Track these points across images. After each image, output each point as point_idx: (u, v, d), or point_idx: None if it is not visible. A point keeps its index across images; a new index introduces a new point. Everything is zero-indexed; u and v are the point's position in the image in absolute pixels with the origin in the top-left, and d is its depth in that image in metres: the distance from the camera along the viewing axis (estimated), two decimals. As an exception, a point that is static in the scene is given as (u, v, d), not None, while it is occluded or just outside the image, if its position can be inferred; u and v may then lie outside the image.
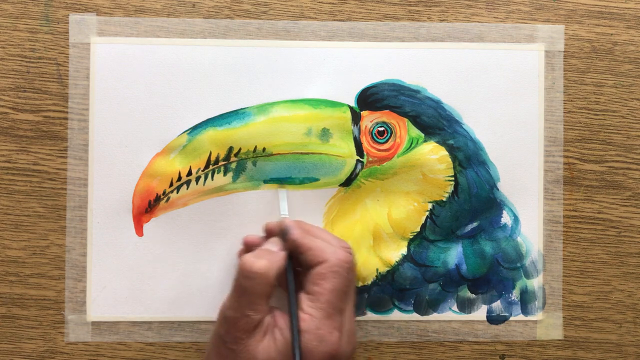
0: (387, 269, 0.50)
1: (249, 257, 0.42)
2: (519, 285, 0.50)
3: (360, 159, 0.49)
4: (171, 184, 0.49)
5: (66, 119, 0.49)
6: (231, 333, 0.41)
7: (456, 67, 0.50)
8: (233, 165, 0.49)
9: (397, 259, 0.50)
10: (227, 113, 0.49)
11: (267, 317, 0.42)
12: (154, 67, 0.49)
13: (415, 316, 0.50)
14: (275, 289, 0.43)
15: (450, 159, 0.49)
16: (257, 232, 0.49)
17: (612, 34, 0.51)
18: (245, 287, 0.41)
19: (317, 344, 0.41)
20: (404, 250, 0.50)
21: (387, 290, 0.50)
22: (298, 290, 0.44)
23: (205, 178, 0.49)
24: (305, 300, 0.42)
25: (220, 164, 0.49)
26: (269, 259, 0.42)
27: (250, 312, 0.41)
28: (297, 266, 0.45)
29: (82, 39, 0.49)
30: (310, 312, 0.42)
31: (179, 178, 0.49)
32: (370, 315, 0.50)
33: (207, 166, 0.49)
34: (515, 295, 0.50)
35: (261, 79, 0.50)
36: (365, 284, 0.50)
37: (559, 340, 0.51)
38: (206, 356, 0.44)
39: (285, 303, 0.44)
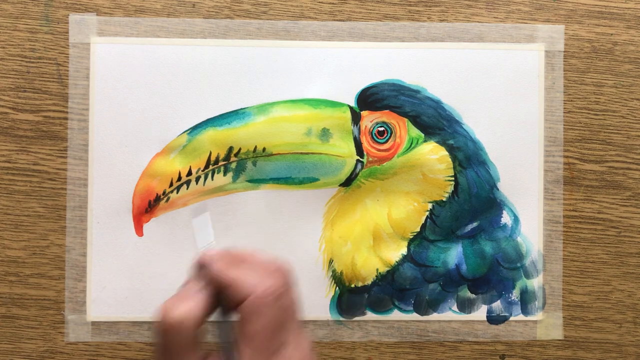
0: (387, 269, 0.50)
1: (165, 306, 0.36)
2: (519, 285, 0.50)
3: (360, 159, 0.49)
4: (171, 184, 0.49)
5: (66, 119, 0.49)
6: None
7: (456, 67, 0.50)
8: (233, 165, 0.49)
9: (397, 259, 0.50)
10: (227, 113, 0.49)
11: None
12: (154, 67, 0.49)
13: (415, 316, 0.50)
14: (201, 335, 0.37)
15: (450, 159, 0.49)
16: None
17: (612, 34, 0.51)
18: (168, 343, 0.35)
19: None
20: (404, 250, 0.50)
21: (387, 290, 0.50)
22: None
23: (205, 178, 0.49)
24: (243, 346, 0.36)
25: (220, 164, 0.49)
26: (186, 303, 0.36)
27: None
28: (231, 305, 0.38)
29: (82, 39, 0.49)
30: (247, 354, 0.36)
31: (179, 178, 0.49)
32: (370, 315, 0.50)
33: (207, 166, 0.49)
34: (515, 295, 0.50)
35: (261, 79, 0.50)
36: (365, 284, 0.50)
37: (559, 340, 0.51)
38: None
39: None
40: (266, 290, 0.36)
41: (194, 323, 0.36)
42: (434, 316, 0.50)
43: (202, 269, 0.38)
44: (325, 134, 0.49)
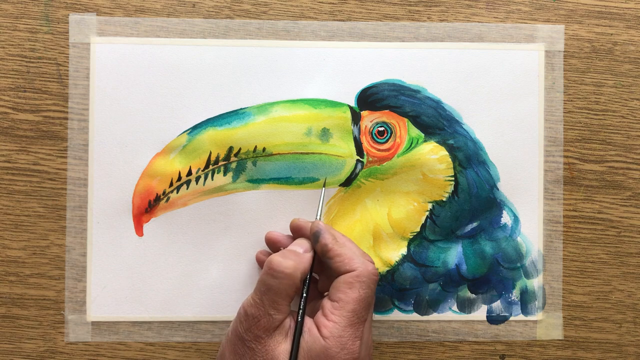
0: (387, 269, 0.50)
1: (277, 257, 0.42)
2: (519, 285, 0.50)
3: (360, 159, 0.49)
4: (171, 184, 0.49)
5: (66, 119, 0.49)
6: (252, 331, 0.41)
7: (456, 67, 0.50)
8: (233, 165, 0.49)
9: (397, 259, 0.50)
10: (227, 113, 0.49)
11: (288, 320, 0.42)
12: (154, 67, 0.49)
13: (415, 316, 0.50)
14: (298, 291, 0.43)
15: (450, 159, 0.49)
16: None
17: (612, 34, 0.51)
18: (270, 286, 0.42)
19: (338, 351, 0.41)
20: (404, 250, 0.50)
21: (387, 290, 0.50)
22: (315, 294, 0.44)
23: (205, 178, 0.49)
24: (329, 307, 0.42)
25: (220, 164, 0.49)
26: (296, 260, 0.43)
27: (272, 311, 0.41)
28: (319, 271, 0.45)
29: (82, 39, 0.49)
30: (334, 319, 0.42)
31: (179, 178, 0.49)
32: (370, 315, 0.50)
33: (207, 166, 0.49)
34: (515, 295, 0.50)
35: (261, 79, 0.50)
36: (365, 284, 0.50)
37: (559, 340, 0.51)
38: (219, 354, 0.44)
39: (307, 307, 0.44)
40: (369, 271, 0.43)
41: (299, 276, 0.42)
42: (434, 316, 0.50)
43: (314, 235, 0.45)
44: (325, 134, 0.49)
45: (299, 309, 0.43)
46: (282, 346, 0.41)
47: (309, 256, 0.44)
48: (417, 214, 0.50)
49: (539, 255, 0.50)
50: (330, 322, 0.42)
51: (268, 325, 0.41)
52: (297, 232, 0.47)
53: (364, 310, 0.42)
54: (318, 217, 0.47)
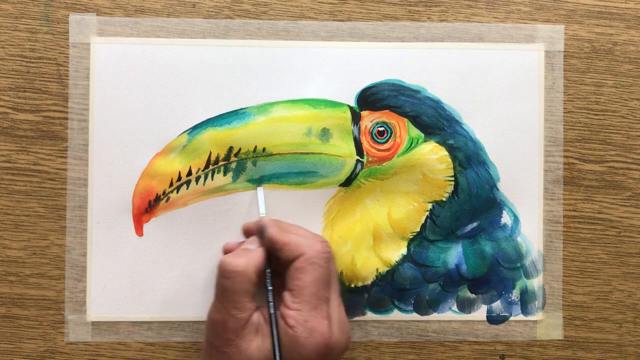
0: (387, 269, 0.50)
1: (227, 258, 0.43)
2: (519, 285, 0.50)
3: (360, 159, 0.49)
4: (171, 184, 0.49)
5: (66, 119, 0.49)
6: (221, 336, 0.42)
7: (456, 67, 0.50)
8: (233, 165, 0.49)
9: (397, 259, 0.50)
10: (227, 113, 0.49)
11: (255, 316, 0.43)
12: (154, 67, 0.49)
13: (415, 316, 0.50)
14: (257, 286, 0.43)
15: (450, 159, 0.49)
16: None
17: (612, 34, 0.51)
18: (225, 287, 0.42)
19: (307, 336, 0.41)
20: (404, 250, 0.50)
21: (387, 290, 0.50)
22: (281, 290, 0.44)
23: (205, 178, 0.49)
24: (289, 297, 0.43)
25: (220, 164, 0.49)
26: (247, 256, 0.43)
27: (235, 312, 0.42)
28: (278, 267, 0.45)
29: (82, 39, 0.49)
30: (295, 307, 0.42)
31: (179, 178, 0.49)
32: (370, 315, 0.50)
33: (207, 166, 0.49)
34: (515, 295, 0.50)
35: (261, 79, 0.50)
36: (365, 284, 0.50)
37: (559, 340, 0.51)
38: None
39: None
40: (319, 249, 0.43)
41: (252, 271, 0.42)
42: (434, 316, 0.50)
43: (252, 232, 0.45)
44: (325, 134, 0.49)
45: (268, 301, 0.43)
46: (254, 343, 0.42)
47: (260, 250, 0.44)
48: (417, 214, 0.50)
49: (539, 255, 0.50)
50: (293, 311, 0.42)
51: (235, 327, 0.41)
52: (248, 234, 0.47)
53: (323, 290, 0.42)
54: (262, 214, 0.47)
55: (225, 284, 0.42)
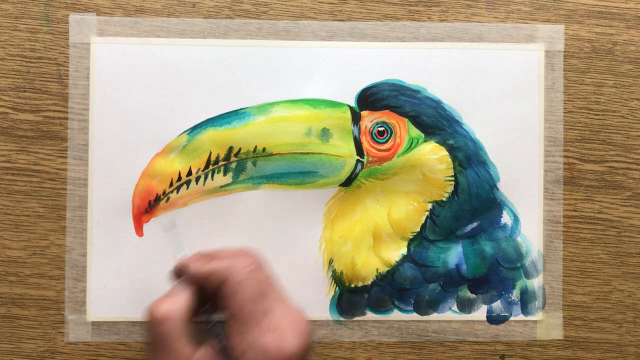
0: (387, 269, 0.50)
1: (153, 304, 0.41)
2: (519, 285, 0.50)
3: (360, 159, 0.49)
4: (171, 184, 0.49)
5: (66, 119, 0.49)
6: None
7: (456, 67, 0.50)
8: (233, 165, 0.49)
9: (397, 259, 0.50)
10: (227, 113, 0.49)
11: (199, 355, 0.40)
12: (154, 67, 0.49)
13: (415, 316, 0.50)
14: (190, 328, 0.41)
15: (450, 159, 0.49)
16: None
17: (612, 34, 0.51)
18: (158, 337, 0.40)
19: (262, 357, 0.39)
20: (404, 250, 0.50)
21: (387, 290, 0.50)
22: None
23: (205, 178, 0.49)
24: (229, 325, 0.41)
25: (220, 164, 0.49)
26: (169, 302, 0.41)
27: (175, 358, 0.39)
28: (217, 306, 0.43)
29: (82, 39, 0.49)
30: (238, 332, 0.40)
31: (179, 178, 0.49)
32: (370, 315, 0.50)
33: (207, 166, 0.49)
34: (515, 295, 0.50)
35: (261, 79, 0.50)
36: (365, 284, 0.50)
37: (559, 340, 0.51)
38: None
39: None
40: (242, 265, 0.41)
41: (179, 315, 0.40)
42: (434, 316, 0.50)
43: (181, 273, 0.43)
44: (325, 134, 0.49)
45: (217, 334, 0.41)
46: None
47: (184, 293, 0.41)
48: (417, 214, 0.50)
49: (539, 255, 0.50)
50: (237, 337, 0.40)
51: None
52: (178, 275, 0.44)
53: (260, 304, 0.41)
54: (181, 255, 0.45)
55: (156, 333, 0.40)
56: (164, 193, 0.49)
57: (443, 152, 0.49)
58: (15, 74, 0.49)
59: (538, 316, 0.51)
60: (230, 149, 0.49)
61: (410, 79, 0.50)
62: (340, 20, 0.50)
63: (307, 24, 0.50)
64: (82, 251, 0.49)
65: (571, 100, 0.51)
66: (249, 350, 0.40)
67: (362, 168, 0.49)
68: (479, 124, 0.50)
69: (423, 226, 0.50)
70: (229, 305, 0.41)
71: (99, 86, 0.49)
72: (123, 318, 0.49)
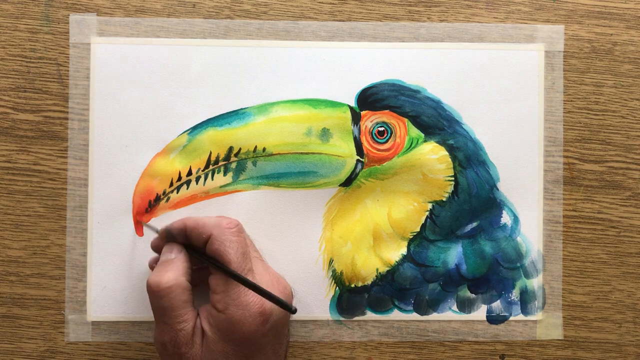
0: (387, 269, 0.50)
1: (152, 278, 0.42)
2: (518, 285, 0.50)
3: (360, 159, 0.49)
4: (171, 184, 0.49)
5: (66, 119, 0.49)
6: (175, 354, 0.41)
7: (456, 67, 0.50)
8: (233, 165, 0.49)
9: (397, 259, 0.50)
10: (227, 113, 0.49)
11: (199, 321, 0.42)
12: (154, 67, 0.49)
13: (415, 316, 0.50)
14: (191, 291, 0.43)
15: (450, 159, 0.49)
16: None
17: (612, 34, 0.51)
18: (163, 307, 0.41)
19: (241, 312, 0.41)
20: (404, 250, 0.50)
21: (387, 290, 0.50)
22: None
23: (206, 178, 0.49)
24: (212, 281, 0.43)
25: (220, 164, 0.49)
26: (172, 268, 0.42)
27: (180, 325, 0.41)
28: (198, 261, 0.45)
29: (82, 39, 0.49)
30: (219, 289, 0.42)
31: (179, 178, 0.49)
32: (370, 315, 0.50)
33: (207, 166, 0.49)
34: (515, 295, 0.50)
35: (261, 79, 0.50)
36: (365, 284, 0.50)
37: (559, 340, 0.51)
38: None
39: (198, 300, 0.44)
40: (226, 225, 0.43)
41: (184, 280, 0.42)
42: (434, 316, 0.50)
43: (167, 235, 0.44)
44: (325, 134, 0.49)
45: (216, 265, 0.43)
46: (205, 345, 0.42)
47: (181, 255, 0.44)
48: (417, 214, 0.50)
49: (539, 255, 0.50)
50: (219, 294, 0.42)
51: (185, 339, 0.41)
52: (158, 249, 0.46)
53: (243, 262, 0.42)
54: (159, 228, 0.46)
55: (161, 303, 0.41)
56: (164, 193, 0.49)
57: (443, 152, 0.49)
58: (16, 74, 0.49)
59: (538, 316, 0.51)
60: (231, 149, 0.49)
61: (410, 79, 0.50)
62: (340, 21, 0.50)
63: (307, 24, 0.50)
64: (82, 251, 0.49)
65: (571, 100, 0.51)
66: (230, 307, 0.41)
67: (362, 168, 0.49)
68: (479, 124, 0.50)
69: (423, 226, 0.50)
70: (218, 255, 0.42)
71: (99, 86, 0.49)
72: (123, 318, 0.49)
